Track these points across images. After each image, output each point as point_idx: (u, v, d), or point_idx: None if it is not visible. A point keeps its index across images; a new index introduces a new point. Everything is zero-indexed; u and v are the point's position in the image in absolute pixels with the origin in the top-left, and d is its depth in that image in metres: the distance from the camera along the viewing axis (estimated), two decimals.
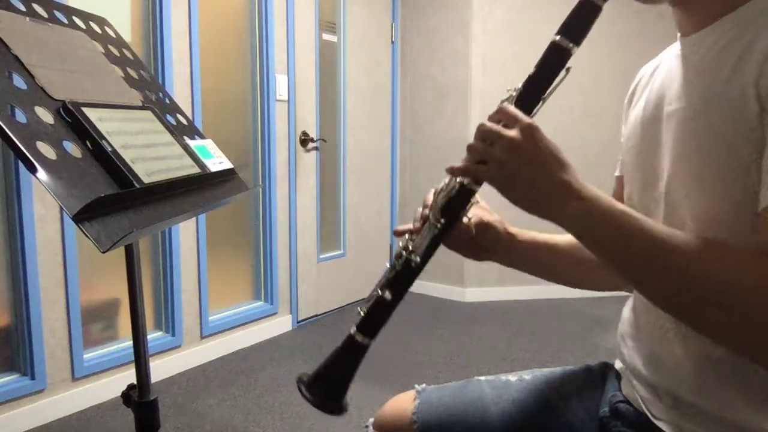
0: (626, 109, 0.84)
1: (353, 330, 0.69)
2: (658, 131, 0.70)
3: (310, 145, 3.06)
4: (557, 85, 0.65)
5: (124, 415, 2.01)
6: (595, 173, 3.43)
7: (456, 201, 0.67)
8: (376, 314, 0.69)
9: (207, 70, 2.49)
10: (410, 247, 0.69)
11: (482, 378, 0.90)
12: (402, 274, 0.69)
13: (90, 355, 2.13)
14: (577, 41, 0.64)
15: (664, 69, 0.73)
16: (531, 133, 0.60)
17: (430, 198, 0.72)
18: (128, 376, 2.17)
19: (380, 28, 3.57)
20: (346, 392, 0.70)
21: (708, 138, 0.60)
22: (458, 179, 0.67)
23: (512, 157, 0.59)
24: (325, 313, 3.28)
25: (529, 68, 0.67)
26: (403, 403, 0.89)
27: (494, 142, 0.61)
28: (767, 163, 0.54)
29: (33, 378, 1.93)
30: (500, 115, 0.63)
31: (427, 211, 0.72)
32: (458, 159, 0.66)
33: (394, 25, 3.66)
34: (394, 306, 0.69)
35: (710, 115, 0.59)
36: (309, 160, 3.07)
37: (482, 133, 0.62)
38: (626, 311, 0.81)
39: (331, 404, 0.69)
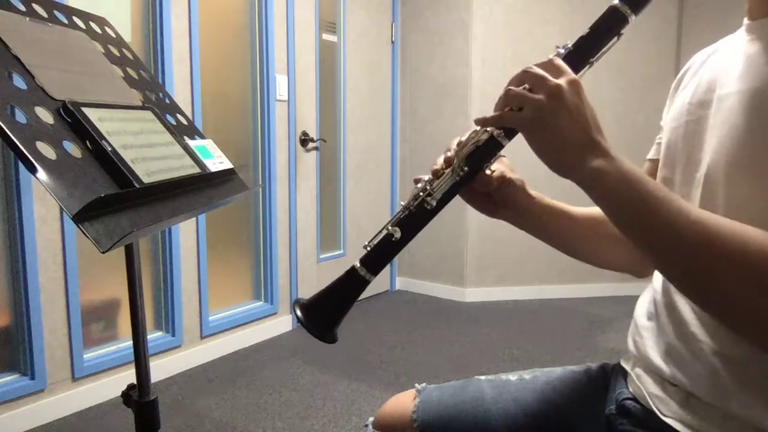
0: (672, 94, 0.81)
1: (357, 264, 0.68)
2: (705, 115, 0.68)
3: (310, 145, 3.06)
4: (607, 50, 0.64)
5: (124, 415, 2.01)
6: None
7: (483, 151, 0.66)
8: (382, 251, 0.68)
9: (207, 70, 2.50)
10: (428, 190, 0.68)
11: (482, 377, 0.90)
12: (415, 216, 0.68)
13: (90, 355, 2.13)
14: (636, 10, 0.62)
15: (721, 56, 0.71)
16: (576, 86, 0.59)
17: (454, 144, 0.71)
18: (128, 376, 2.17)
19: (380, 28, 3.57)
20: (340, 321, 0.69)
21: (757, 123, 0.58)
22: (489, 129, 0.66)
23: (554, 103, 0.58)
24: None
25: (572, 41, 0.66)
26: (404, 402, 0.89)
27: (539, 87, 0.59)
28: None
29: (33, 378, 1.93)
30: (548, 65, 0.61)
31: (450, 154, 0.70)
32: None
33: (394, 25, 3.66)
34: (401, 245, 0.68)
35: (765, 101, 0.58)
36: (309, 160, 3.08)
37: (527, 76, 0.61)
38: (643, 302, 0.79)
39: (324, 330, 0.68)
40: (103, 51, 1.01)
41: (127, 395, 0.98)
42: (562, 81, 0.59)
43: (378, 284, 3.67)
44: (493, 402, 0.83)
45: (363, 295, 2.91)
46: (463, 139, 0.70)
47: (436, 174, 0.70)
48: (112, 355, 2.18)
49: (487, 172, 0.72)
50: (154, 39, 2.28)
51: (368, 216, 3.61)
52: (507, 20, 3.45)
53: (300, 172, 3.01)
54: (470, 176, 0.68)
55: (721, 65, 0.69)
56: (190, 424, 1.98)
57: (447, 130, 3.56)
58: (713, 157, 0.64)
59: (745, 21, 0.69)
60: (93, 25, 1.04)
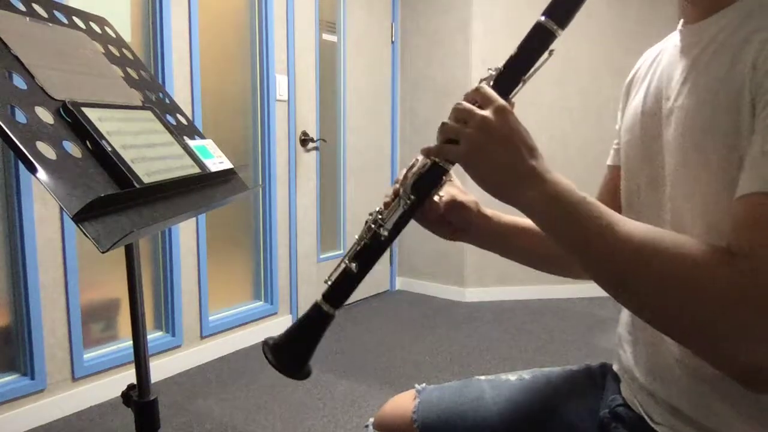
0: (624, 98, 0.82)
1: (319, 299, 0.69)
2: (658, 127, 0.69)
3: (310, 145, 3.06)
4: (539, 67, 0.64)
5: (124, 415, 2.01)
6: (594, 173, 3.43)
7: (426, 179, 0.67)
8: (342, 285, 0.69)
9: (207, 70, 2.49)
10: (379, 221, 0.69)
11: (482, 377, 0.90)
12: (370, 247, 0.69)
13: (90, 355, 2.13)
14: (563, 24, 0.62)
15: (665, 59, 0.72)
16: (503, 114, 0.59)
17: (403, 173, 0.72)
18: (128, 376, 2.17)
19: (380, 28, 3.57)
20: (308, 359, 0.70)
21: (707, 137, 0.59)
22: (431, 158, 0.66)
23: (482, 136, 0.59)
24: None
25: (503, 62, 0.66)
26: (404, 402, 0.89)
27: (467, 121, 0.60)
28: (751, 150, 0.52)
29: (33, 378, 1.93)
30: (476, 95, 0.62)
31: (398, 186, 0.71)
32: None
33: (394, 26, 3.66)
34: (360, 278, 0.69)
35: (709, 114, 0.59)
36: (309, 160, 3.08)
37: (456, 111, 0.62)
38: (624, 313, 0.80)
39: (293, 369, 0.70)
40: (103, 51, 1.01)
41: (127, 395, 0.98)
42: (488, 112, 0.59)
43: (378, 284, 3.67)
44: (493, 402, 0.83)
45: (363, 295, 2.92)
46: (410, 165, 0.70)
47: (387, 205, 0.71)
48: (112, 355, 2.18)
49: (435, 198, 0.73)
50: (154, 39, 2.28)
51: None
52: (507, 20, 3.45)
53: (300, 172, 3.01)
54: (417, 204, 0.68)
55: (664, 72, 0.69)
56: (190, 424, 1.98)
57: None
58: (673, 176, 0.65)
59: (680, 24, 0.70)
60: (93, 25, 1.04)
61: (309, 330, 0.70)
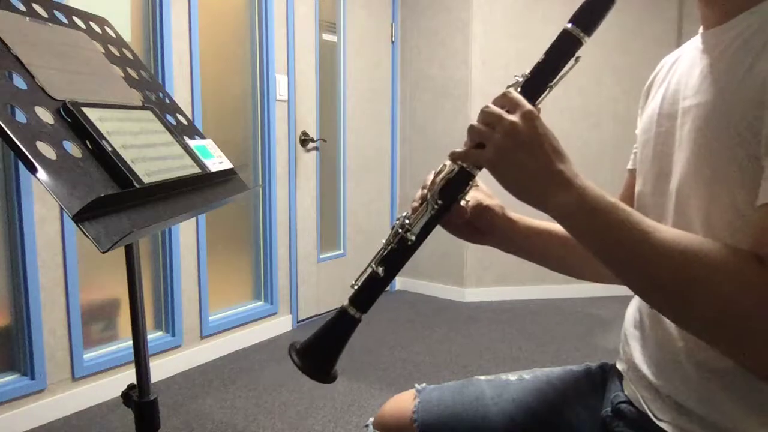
0: (643, 102, 0.83)
1: (346, 303, 0.70)
2: (673, 127, 0.69)
3: (310, 145, 3.06)
4: (565, 73, 0.66)
5: (124, 415, 2.01)
6: (593, 173, 3.44)
7: (454, 184, 0.68)
8: (369, 289, 0.70)
9: (207, 70, 2.50)
10: (406, 225, 0.70)
11: (482, 377, 0.90)
12: (396, 252, 0.70)
13: (90, 355, 2.13)
14: (589, 31, 0.64)
15: (684, 62, 0.72)
16: (531, 119, 0.60)
17: (430, 179, 0.73)
18: (128, 376, 2.17)
19: (380, 28, 3.57)
20: (335, 362, 0.71)
21: (723, 136, 0.59)
22: (458, 162, 0.67)
23: (510, 141, 0.59)
24: (325, 313, 3.28)
25: (529, 68, 0.67)
26: (404, 402, 0.89)
27: (494, 125, 0.61)
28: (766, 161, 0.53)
29: (33, 378, 1.93)
30: (503, 100, 0.63)
31: (426, 191, 0.72)
32: None
33: (394, 25, 3.66)
34: (386, 282, 0.70)
35: (726, 113, 0.59)
36: (309, 160, 3.08)
37: (484, 115, 0.62)
38: (631, 310, 0.80)
39: (321, 373, 0.70)
40: (103, 51, 1.01)
41: (127, 395, 0.98)
42: (516, 117, 0.60)
43: None
44: (493, 402, 0.83)
45: None
46: (438, 169, 0.71)
47: (415, 210, 0.72)
48: (112, 355, 2.18)
49: (462, 203, 0.73)
50: (154, 39, 2.28)
51: (368, 216, 3.61)
52: (507, 20, 3.45)
53: (300, 172, 3.01)
54: (445, 209, 0.69)
55: (683, 75, 0.70)
56: (190, 424, 1.98)
57: (447, 130, 3.56)
58: (682, 171, 0.65)
59: (701, 29, 0.71)
60: (93, 25, 1.04)
61: (335, 334, 0.71)
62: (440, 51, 3.58)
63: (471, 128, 0.63)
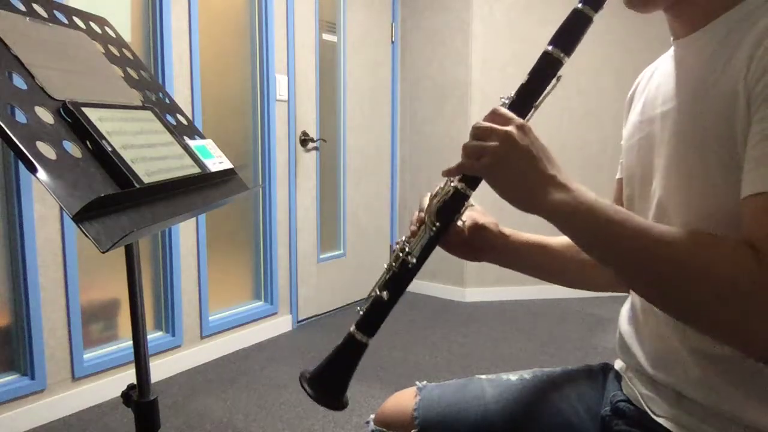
0: (626, 112, 0.85)
1: (353, 329, 0.72)
2: (652, 132, 0.71)
3: (310, 145, 3.06)
4: (548, 93, 0.68)
5: (124, 415, 2.01)
6: (593, 174, 3.45)
7: (450, 205, 0.70)
8: (375, 313, 0.72)
9: (207, 70, 2.49)
10: (407, 249, 0.72)
11: (483, 377, 0.90)
12: (399, 275, 0.72)
13: (90, 355, 2.13)
14: (568, 51, 0.67)
15: (661, 71, 0.75)
16: (525, 129, 0.63)
17: (426, 201, 0.75)
18: (128, 376, 2.17)
19: (380, 28, 3.57)
20: (346, 388, 0.73)
21: (699, 135, 0.61)
22: (453, 184, 0.70)
23: (505, 147, 0.62)
24: (325, 313, 3.28)
25: (529, 68, 0.69)
26: (405, 399, 0.89)
27: (489, 137, 0.63)
28: (751, 153, 0.54)
29: (33, 378, 1.93)
30: (495, 117, 0.65)
31: (422, 214, 0.74)
32: (458, 159, 0.67)
33: (394, 25, 3.66)
34: (391, 305, 0.72)
35: (702, 113, 0.61)
36: (309, 160, 3.08)
37: (477, 130, 0.65)
38: (625, 309, 0.81)
39: (332, 400, 0.72)
40: (103, 51, 1.01)
41: (127, 395, 0.97)
42: (510, 127, 0.62)
43: None
44: (494, 401, 0.84)
45: (363, 296, 2.90)
46: (434, 192, 0.74)
47: (413, 233, 0.74)
48: (112, 355, 2.18)
49: (459, 223, 0.76)
50: (154, 39, 2.28)
51: (368, 216, 3.61)
52: (507, 20, 3.45)
53: (300, 172, 3.01)
54: (442, 230, 0.72)
55: (661, 83, 0.73)
56: (190, 424, 1.98)
57: (447, 130, 3.56)
58: (662, 173, 0.68)
59: (672, 39, 0.73)
60: (93, 25, 1.04)
61: (344, 360, 0.73)
62: (440, 51, 3.58)
63: (465, 146, 0.65)
